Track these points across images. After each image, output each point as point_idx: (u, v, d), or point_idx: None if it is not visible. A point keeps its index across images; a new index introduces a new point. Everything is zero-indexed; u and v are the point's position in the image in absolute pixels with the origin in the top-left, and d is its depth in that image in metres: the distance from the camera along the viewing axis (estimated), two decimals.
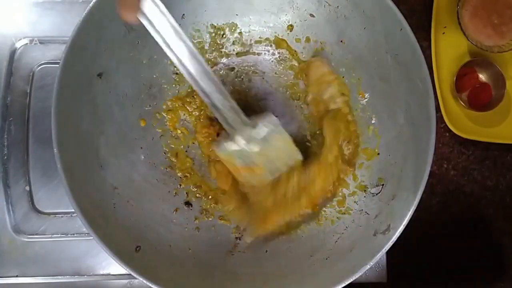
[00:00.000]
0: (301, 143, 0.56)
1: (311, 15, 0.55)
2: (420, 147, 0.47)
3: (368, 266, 0.43)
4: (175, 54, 0.43)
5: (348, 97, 0.55)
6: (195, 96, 0.56)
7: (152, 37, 0.41)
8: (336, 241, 0.51)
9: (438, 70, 0.63)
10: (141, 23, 0.40)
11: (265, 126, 0.48)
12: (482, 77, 0.65)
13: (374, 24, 0.50)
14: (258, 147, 0.48)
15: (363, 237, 0.49)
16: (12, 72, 0.59)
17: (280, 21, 0.56)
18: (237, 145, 0.48)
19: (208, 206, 0.55)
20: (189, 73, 0.44)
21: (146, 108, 0.55)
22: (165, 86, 0.56)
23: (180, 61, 0.43)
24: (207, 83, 0.45)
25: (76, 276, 0.56)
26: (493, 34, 0.62)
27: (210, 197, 0.55)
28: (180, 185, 0.55)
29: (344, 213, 0.53)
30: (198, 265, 0.49)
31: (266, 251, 0.53)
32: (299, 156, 0.51)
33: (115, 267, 0.57)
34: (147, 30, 0.41)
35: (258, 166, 0.49)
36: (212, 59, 0.58)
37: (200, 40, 0.57)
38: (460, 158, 0.65)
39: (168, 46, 0.42)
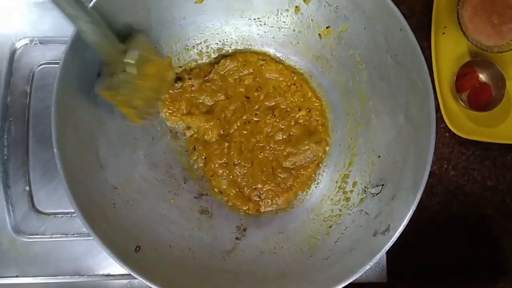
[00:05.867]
0: None
1: (311, 15, 0.55)
2: (420, 147, 0.47)
3: (368, 266, 0.43)
4: None
5: None
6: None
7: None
8: (336, 241, 0.51)
9: (438, 70, 0.63)
10: None
11: (136, 48, 0.46)
12: (482, 77, 0.65)
13: (374, 24, 0.50)
14: (135, 70, 0.45)
15: (363, 237, 0.49)
16: (12, 72, 0.59)
17: (280, 21, 0.57)
18: (117, 76, 0.45)
19: (208, 206, 0.55)
20: None
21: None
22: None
23: None
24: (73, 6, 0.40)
25: (76, 276, 0.56)
26: (493, 34, 0.62)
27: (210, 196, 0.55)
28: (180, 185, 0.55)
29: (344, 213, 0.53)
30: (198, 265, 0.49)
31: (265, 251, 0.53)
32: (171, 74, 0.52)
33: (115, 267, 0.57)
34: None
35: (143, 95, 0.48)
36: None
37: (200, 41, 0.57)
38: (460, 158, 0.65)
39: None
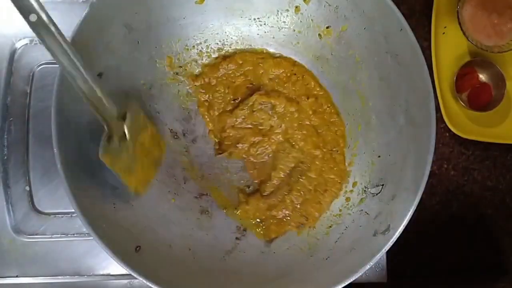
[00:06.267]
0: None
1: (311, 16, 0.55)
2: (420, 147, 0.47)
3: (368, 266, 0.43)
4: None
5: None
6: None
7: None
8: (336, 241, 0.51)
9: (438, 70, 0.63)
10: None
11: (130, 113, 0.46)
12: (482, 77, 0.65)
13: (374, 24, 0.50)
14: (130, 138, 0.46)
15: (363, 237, 0.49)
16: (12, 72, 0.59)
17: (280, 21, 0.57)
18: (115, 142, 0.44)
19: (208, 206, 0.55)
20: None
21: (146, 108, 0.55)
22: (165, 86, 0.56)
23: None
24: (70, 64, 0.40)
25: (76, 276, 0.56)
26: (493, 34, 0.62)
27: (210, 197, 0.55)
28: (180, 185, 0.55)
29: (344, 213, 0.53)
30: (198, 265, 0.49)
31: (265, 251, 0.53)
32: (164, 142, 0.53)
33: (115, 267, 0.57)
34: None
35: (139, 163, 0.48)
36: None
37: (200, 41, 0.57)
38: (460, 158, 0.65)
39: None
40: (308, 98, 0.57)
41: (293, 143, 0.57)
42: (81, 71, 0.40)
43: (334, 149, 0.57)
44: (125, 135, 0.46)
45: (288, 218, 0.54)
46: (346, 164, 0.56)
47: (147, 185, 0.51)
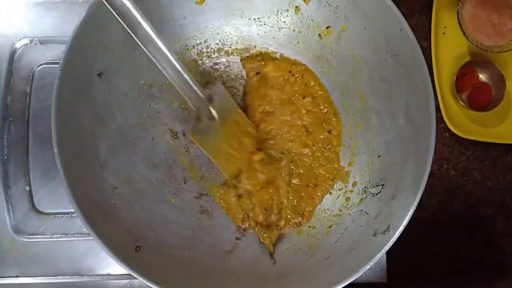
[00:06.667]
0: None
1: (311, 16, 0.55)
2: (420, 147, 0.47)
3: (368, 266, 0.43)
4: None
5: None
6: None
7: None
8: (336, 241, 0.51)
9: (438, 70, 0.63)
10: None
11: (219, 98, 0.49)
12: (482, 77, 0.65)
13: (374, 24, 0.50)
14: (219, 119, 0.49)
15: (363, 237, 0.49)
16: (12, 72, 0.59)
17: (280, 21, 0.57)
18: (204, 122, 0.48)
19: (208, 206, 0.55)
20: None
21: (146, 108, 0.55)
22: (165, 86, 0.56)
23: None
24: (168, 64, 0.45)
25: (76, 276, 0.56)
26: (493, 34, 0.62)
27: (210, 197, 0.55)
28: (180, 185, 0.55)
29: (344, 213, 0.53)
30: (198, 265, 0.49)
31: (265, 251, 0.53)
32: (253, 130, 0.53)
33: (115, 267, 0.57)
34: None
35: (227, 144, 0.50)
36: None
37: (200, 41, 0.57)
38: (460, 158, 0.65)
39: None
40: (304, 98, 0.57)
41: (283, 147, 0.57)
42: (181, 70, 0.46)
43: (327, 147, 0.57)
44: (213, 116, 0.48)
45: (286, 217, 0.55)
46: (346, 164, 0.56)
47: (235, 169, 0.53)
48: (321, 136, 0.57)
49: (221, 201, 0.55)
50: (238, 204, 0.55)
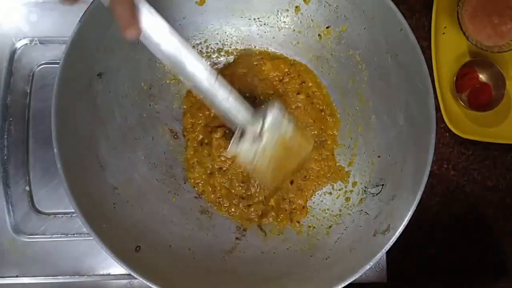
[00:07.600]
0: None
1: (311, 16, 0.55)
2: (420, 147, 0.47)
3: (368, 266, 0.43)
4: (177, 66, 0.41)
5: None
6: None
7: None
8: (336, 241, 0.51)
9: (438, 70, 0.63)
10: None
11: (272, 116, 0.46)
12: (482, 77, 0.65)
13: (374, 24, 0.50)
14: (268, 139, 0.47)
15: (363, 237, 0.49)
16: (12, 72, 0.59)
17: (280, 21, 0.57)
18: (250, 141, 0.46)
19: (208, 206, 0.55)
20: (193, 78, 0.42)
21: (146, 108, 0.55)
22: (165, 86, 0.56)
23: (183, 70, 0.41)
24: (218, 88, 0.43)
25: (76, 276, 0.56)
26: (493, 34, 0.62)
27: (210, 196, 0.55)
28: (180, 185, 0.55)
29: (344, 213, 0.53)
30: (198, 265, 0.49)
31: (265, 251, 0.53)
32: (310, 144, 0.51)
33: (115, 267, 0.57)
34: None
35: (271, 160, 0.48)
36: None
37: (200, 41, 0.57)
38: (460, 158, 0.65)
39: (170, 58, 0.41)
40: (297, 94, 0.57)
41: None
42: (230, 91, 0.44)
43: (318, 143, 0.56)
44: (260, 136, 0.46)
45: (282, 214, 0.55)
46: (346, 164, 0.56)
47: (275, 186, 0.54)
48: (312, 133, 0.57)
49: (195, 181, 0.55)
50: (211, 183, 0.55)
